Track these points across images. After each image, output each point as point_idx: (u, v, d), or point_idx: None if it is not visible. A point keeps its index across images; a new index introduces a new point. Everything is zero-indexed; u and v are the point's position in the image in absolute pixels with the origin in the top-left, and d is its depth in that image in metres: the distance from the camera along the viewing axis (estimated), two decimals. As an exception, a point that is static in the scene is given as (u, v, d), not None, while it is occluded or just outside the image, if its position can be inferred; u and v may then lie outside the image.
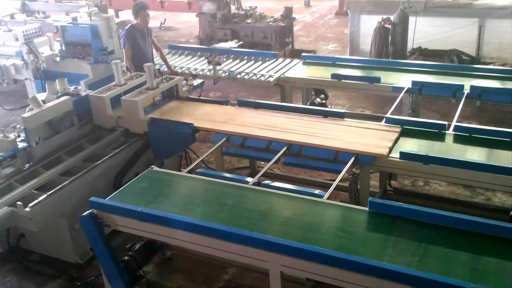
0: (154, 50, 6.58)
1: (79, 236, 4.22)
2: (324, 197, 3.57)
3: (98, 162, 4.52)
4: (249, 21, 9.22)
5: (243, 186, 3.77)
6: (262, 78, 6.08)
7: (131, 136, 4.98)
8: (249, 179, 3.88)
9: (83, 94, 5.12)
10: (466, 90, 5.19)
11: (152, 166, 4.13)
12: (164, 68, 6.26)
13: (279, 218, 3.45)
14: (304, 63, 6.55)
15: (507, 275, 2.74)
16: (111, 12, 10.40)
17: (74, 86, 5.20)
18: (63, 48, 6.61)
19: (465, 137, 4.31)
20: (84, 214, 3.50)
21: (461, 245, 3.00)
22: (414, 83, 5.40)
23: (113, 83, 5.27)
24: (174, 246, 4.18)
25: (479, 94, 5.13)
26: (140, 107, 4.94)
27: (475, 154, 4.11)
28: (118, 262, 3.69)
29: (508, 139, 4.19)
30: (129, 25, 6.40)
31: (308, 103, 6.31)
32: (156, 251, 4.13)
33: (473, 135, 4.31)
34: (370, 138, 4.35)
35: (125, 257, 3.82)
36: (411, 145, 4.23)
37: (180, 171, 4.64)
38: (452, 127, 4.44)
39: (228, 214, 3.47)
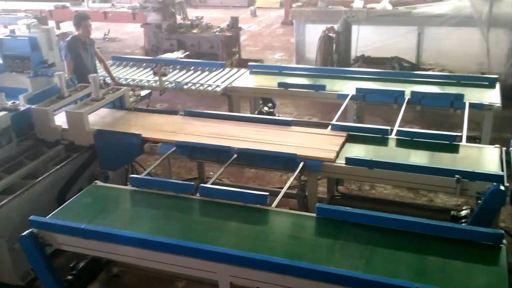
0: (97, 61, 6.43)
1: (19, 256, 4.01)
2: (273, 205, 3.58)
3: (38, 179, 4.34)
4: (195, 31, 9.21)
5: (191, 197, 3.72)
6: (209, 88, 6.05)
7: (77, 149, 4.83)
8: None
9: (22, 108, 4.92)
10: (407, 95, 5.35)
11: (96, 181, 4.01)
12: (108, 80, 6.12)
13: (228, 228, 3.42)
14: (251, 73, 6.58)
15: (450, 273, 2.83)
16: (51, 23, 10.09)
17: (12, 101, 4.98)
18: (1, 61, 6.35)
19: (407, 141, 4.43)
20: (23, 234, 3.34)
21: (406, 246, 3.08)
22: (358, 90, 5.52)
23: (57, 95, 5.12)
24: (120, 263, 4.05)
25: (419, 99, 5.30)
26: (85, 119, 4.82)
27: (417, 157, 4.23)
28: (62, 282, 3.54)
29: (447, 142, 4.34)
30: (70, 36, 6.23)
31: (256, 112, 6.35)
32: (102, 268, 4.00)
33: (414, 139, 4.44)
34: (318, 143, 4.41)
35: (69, 277, 3.67)
36: (356, 151, 4.30)
37: (126, 185, 4.52)
38: (394, 132, 4.56)
39: (175, 226, 3.41)
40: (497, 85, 5.63)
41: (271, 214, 3.48)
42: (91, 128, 4.84)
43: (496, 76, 5.93)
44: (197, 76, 6.46)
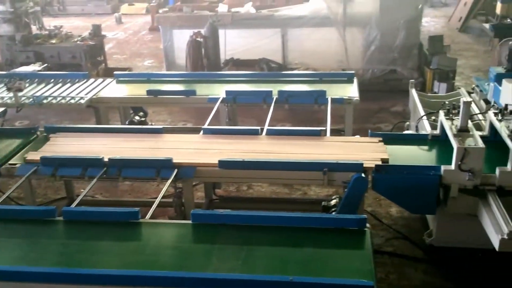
0: None
1: None
2: (146, 217, 3.46)
3: None
4: (54, 41, 8.65)
5: (56, 220, 3.44)
6: (73, 101, 5.68)
7: None
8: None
9: None
10: (275, 95, 5.51)
11: None
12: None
13: (101, 248, 3.22)
14: (118, 82, 6.32)
15: (322, 262, 2.95)
16: None
17: None
18: None
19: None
20: None
21: (281, 241, 3.14)
22: (227, 92, 5.57)
23: None
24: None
25: (286, 98, 5.47)
26: None
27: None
28: None
29: (314, 136, 4.54)
30: None
31: (126, 122, 6.13)
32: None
33: (283, 136, 4.59)
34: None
35: None
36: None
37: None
38: (264, 131, 4.67)
39: (42, 253, 3.13)
40: (355, 80, 6.04)
41: (145, 226, 3.36)
42: None
43: (353, 71, 6.36)
44: (58, 89, 6.02)
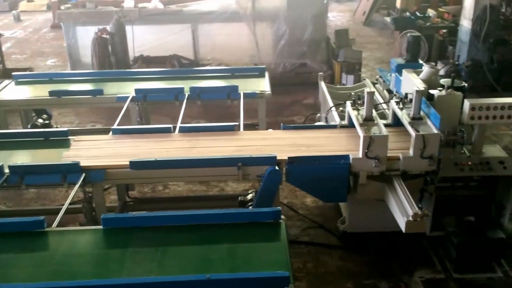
0: None
1: None
2: (53, 225, 3.26)
3: None
4: None
5: None
6: (-34, 105, 5.26)
7: None
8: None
9: None
10: (187, 92, 5.43)
11: None
12: None
13: (2, 261, 2.98)
14: (17, 83, 5.91)
15: (239, 257, 2.93)
16: None
17: None
18: None
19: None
20: None
21: (197, 239, 3.09)
22: (137, 90, 5.40)
23: None
24: None
25: (198, 94, 5.42)
26: None
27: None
28: None
29: (228, 131, 4.53)
30: None
31: (28, 126, 5.75)
32: None
33: (196, 133, 4.52)
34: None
35: None
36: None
37: None
38: (177, 129, 4.58)
39: None
40: (266, 74, 6.09)
41: (52, 235, 3.15)
42: None
43: (264, 66, 6.43)
44: None
